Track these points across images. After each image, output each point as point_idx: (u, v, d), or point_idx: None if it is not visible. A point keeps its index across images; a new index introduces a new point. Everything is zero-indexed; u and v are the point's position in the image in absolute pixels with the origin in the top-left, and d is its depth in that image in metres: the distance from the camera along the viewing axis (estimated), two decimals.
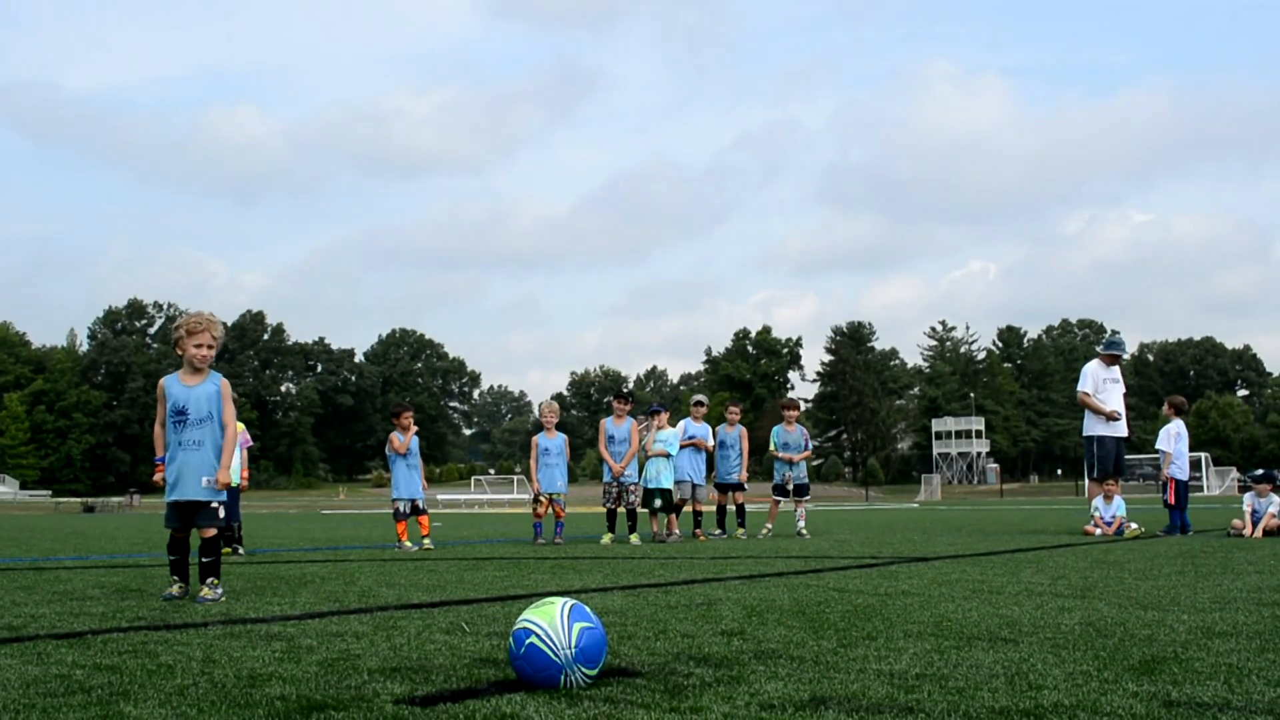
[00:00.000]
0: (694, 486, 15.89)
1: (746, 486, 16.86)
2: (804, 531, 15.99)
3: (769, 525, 16.49)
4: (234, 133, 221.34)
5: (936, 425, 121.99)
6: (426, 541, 14.36)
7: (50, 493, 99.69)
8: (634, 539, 14.64)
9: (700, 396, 16.80)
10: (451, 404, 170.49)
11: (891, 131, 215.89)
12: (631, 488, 14.97)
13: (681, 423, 16.14)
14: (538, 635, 3.96)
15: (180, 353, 7.43)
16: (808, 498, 16.52)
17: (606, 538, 14.95)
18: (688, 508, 16.05)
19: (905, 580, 8.13)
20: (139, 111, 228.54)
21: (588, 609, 4.14)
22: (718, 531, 16.47)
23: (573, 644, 3.95)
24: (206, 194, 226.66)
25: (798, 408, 17.21)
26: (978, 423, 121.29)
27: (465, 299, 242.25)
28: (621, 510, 15.08)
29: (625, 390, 16.28)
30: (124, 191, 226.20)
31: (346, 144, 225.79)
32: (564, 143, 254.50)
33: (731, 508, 16.73)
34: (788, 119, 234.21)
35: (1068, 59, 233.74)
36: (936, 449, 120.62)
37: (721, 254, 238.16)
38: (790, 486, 16.38)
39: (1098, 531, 15.19)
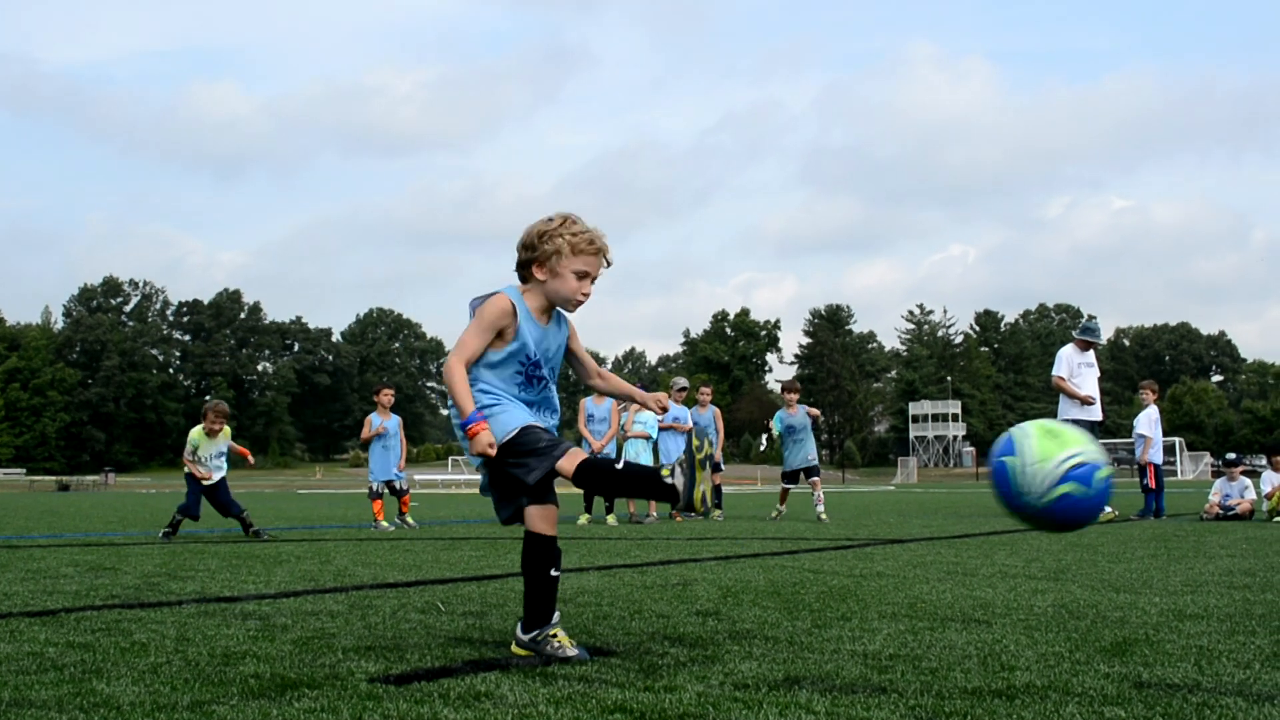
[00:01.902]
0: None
1: (723, 467, 16.88)
2: (823, 515, 15.47)
3: (780, 508, 16.11)
4: (214, 109, 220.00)
5: (913, 408, 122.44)
6: (409, 519, 14.36)
7: (24, 471, 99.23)
8: (610, 519, 14.66)
9: (681, 380, 16.74)
10: (429, 384, 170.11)
11: (874, 113, 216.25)
12: None
13: None
14: (1017, 465, 3.92)
15: (542, 277, 4.41)
16: (817, 478, 15.94)
17: (583, 518, 14.97)
18: None
19: (880, 562, 8.17)
20: (118, 87, 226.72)
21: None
22: (691, 513, 16.46)
23: (1040, 494, 3.93)
24: (185, 171, 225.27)
25: (798, 390, 16.75)
26: (954, 406, 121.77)
27: (444, 278, 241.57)
28: None
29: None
30: (101, 168, 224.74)
31: (328, 121, 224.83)
32: (547, 121, 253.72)
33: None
34: (771, 99, 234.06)
35: (1051, 43, 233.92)
36: (913, 432, 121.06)
37: (702, 235, 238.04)
38: (801, 469, 15.97)
39: None
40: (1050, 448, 3.91)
